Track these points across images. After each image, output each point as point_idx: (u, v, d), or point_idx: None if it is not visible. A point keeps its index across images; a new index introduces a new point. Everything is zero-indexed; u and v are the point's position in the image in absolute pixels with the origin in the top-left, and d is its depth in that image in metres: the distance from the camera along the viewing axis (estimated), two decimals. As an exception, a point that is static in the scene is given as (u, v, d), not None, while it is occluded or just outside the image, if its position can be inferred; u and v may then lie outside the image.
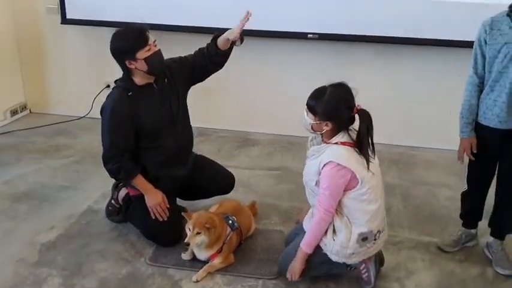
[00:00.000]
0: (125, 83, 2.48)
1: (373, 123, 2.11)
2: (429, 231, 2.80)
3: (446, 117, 3.94)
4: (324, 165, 2.09)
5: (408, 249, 2.63)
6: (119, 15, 3.90)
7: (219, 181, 2.80)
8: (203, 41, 4.00)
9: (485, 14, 2.34)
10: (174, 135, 2.57)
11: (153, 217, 2.52)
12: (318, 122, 2.11)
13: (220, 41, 2.63)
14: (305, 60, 3.98)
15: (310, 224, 2.23)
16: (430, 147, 3.99)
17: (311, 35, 3.69)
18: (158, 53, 2.43)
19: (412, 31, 3.56)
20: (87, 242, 2.62)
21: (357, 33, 3.64)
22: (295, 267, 2.24)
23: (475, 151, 2.42)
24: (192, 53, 2.70)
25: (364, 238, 2.15)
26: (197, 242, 2.32)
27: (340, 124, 2.12)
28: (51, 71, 4.40)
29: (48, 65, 4.38)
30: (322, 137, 2.20)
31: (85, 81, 4.35)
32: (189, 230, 2.33)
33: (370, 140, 2.11)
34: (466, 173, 2.57)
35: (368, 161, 2.09)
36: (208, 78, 4.13)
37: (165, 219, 2.53)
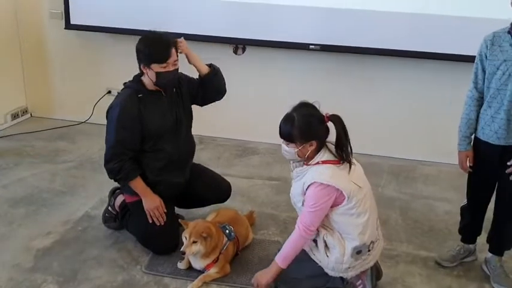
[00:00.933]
0: (136, 85, 2.53)
1: (344, 124, 2.13)
2: (427, 246, 2.79)
3: (446, 132, 3.95)
4: (308, 186, 2.10)
5: (406, 263, 2.61)
6: (121, 21, 3.93)
7: (215, 189, 2.80)
8: (203, 49, 4.02)
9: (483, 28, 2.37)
10: (176, 142, 2.59)
11: (150, 221, 2.52)
12: (301, 146, 2.12)
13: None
14: (306, 70, 3.98)
15: (288, 239, 2.23)
16: (430, 161, 3.98)
17: (313, 46, 3.70)
18: (172, 72, 2.46)
19: (417, 44, 3.56)
20: (83, 249, 2.60)
21: (360, 45, 3.65)
22: (264, 278, 2.22)
23: (471, 164, 2.41)
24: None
25: (358, 251, 2.15)
26: (193, 251, 2.30)
27: (320, 139, 2.14)
28: (53, 75, 4.41)
29: (50, 70, 4.40)
30: (303, 160, 2.19)
31: (86, 86, 4.36)
32: (186, 238, 2.32)
33: (349, 143, 2.12)
34: (466, 188, 2.56)
35: (351, 164, 2.10)
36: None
37: (162, 223, 2.52)
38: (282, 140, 2.18)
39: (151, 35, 2.50)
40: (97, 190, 3.20)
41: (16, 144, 3.92)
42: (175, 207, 2.79)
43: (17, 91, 4.40)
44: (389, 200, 3.31)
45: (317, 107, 2.17)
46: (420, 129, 3.99)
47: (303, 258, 2.24)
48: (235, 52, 3.96)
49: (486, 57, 2.27)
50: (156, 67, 2.43)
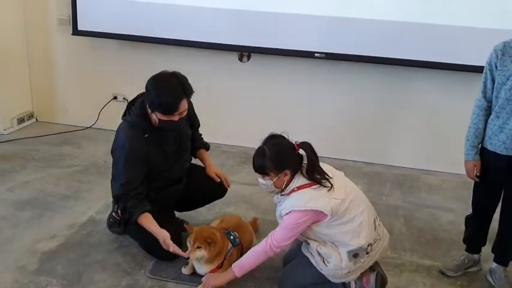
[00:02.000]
0: (142, 122, 2.42)
1: (314, 149, 2.17)
2: (431, 255, 2.79)
3: (450, 141, 3.96)
4: (286, 214, 2.14)
5: (409, 272, 2.61)
6: (128, 28, 3.97)
7: (211, 187, 2.79)
8: (208, 57, 4.07)
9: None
10: (178, 165, 2.60)
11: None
12: (276, 177, 2.15)
13: (199, 156, 2.81)
14: (311, 78, 4.01)
15: (253, 249, 2.26)
16: (433, 171, 3.99)
17: (318, 54, 3.72)
18: (175, 122, 2.37)
19: (424, 54, 3.58)
20: (87, 252, 2.61)
21: (365, 54, 3.67)
22: (215, 281, 2.26)
23: (478, 174, 2.42)
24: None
25: (355, 255, 2.16)
26: (197, 256, 2.31)
27: (294, 167, 2.16)
28: (59, 80, 4.44)
29: (57, 75, 4.43)
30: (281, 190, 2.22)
31: (92, 92, 4.39)
32: (190, 243, 2.33)
33: (319, 168, 2.15)
34: (472, 197, 2.56)
35: (326, 185, 2.11)
36: (213, 93, 4.20)
37: (175, 252, 2.39)
38: (257, 174, 2.21)
39: (163, 80, 2.33)
40: (102, 194, 3.21)
41: (22, 148, 3.94)
42: (176, 212, 2.81)
43: (24, 96, 4.43)
44: (393, 209, 3.31)
45: (286, 136, 2.21)
46: (424, 139, 4.00)
47: (306, 264, 2.25)
48: (240, 60, 3.98)
49: (496, 67, 2.27)
50: (160, 115, 2.34)
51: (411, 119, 3.96)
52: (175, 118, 2.34)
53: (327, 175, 2.15)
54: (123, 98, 4.29)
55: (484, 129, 2.37)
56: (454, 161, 4.01)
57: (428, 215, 3.27)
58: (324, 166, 2.22)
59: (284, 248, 2.20)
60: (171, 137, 2.52)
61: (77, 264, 2.50)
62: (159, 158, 2.48)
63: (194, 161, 2.86)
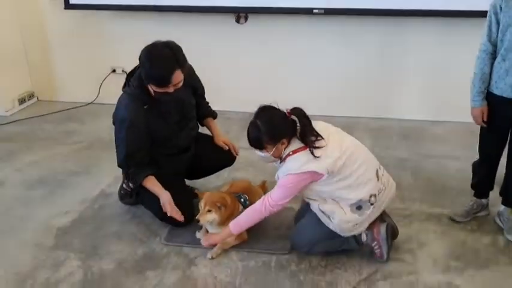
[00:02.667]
0: (141, 93, 2.40)
1: (306, 113, 2.17)
2: (440, 203, 2.81)
3: (454, 90, 3.93)
4: (283, 177, 2.17)
5: (420, 222, 2.64)
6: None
7: (220, 155, 2.79)
8: (205, 21, 3.98)
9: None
10: (184, 133, 2.60)
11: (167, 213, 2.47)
12: (274, 149, 2.16)
13: (206, 125, 2.79)
14: (310, 35, 3.95)
15: (251, 206, 2.30)
16: (439, 121, 3.98)
17: (316, 10, 3.66)
18: (170, 94, 2.33)
19: (423, 2, 3.52)
20: (101, 225, 2.65)
21: (364, 7, 3.60)
22: (212, 239, 2.35)
23: (485, 120, 2.41)
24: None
25: (358, 207, 2.18)
26: (208, 220, 2.36)
27: (290, 134, 2.16)
28: (56, 57, 4.41)
29: (53, 52, 4.39)
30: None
31: (91, 66, 4.36)
32: (201, 207, 2.37)
33: (312, 131, 2.14)
34: (478, 143, 2.56)
35: (320, 147, 2.11)
36: (213, 59, 4.15)
37: (178, 218, 2.47)
38: (255, 149, 2.22)
39: (156, 52, 2.28)
40: (110, 168, 3.22)
41: (26, 128, 3.95)
42: (186, 180, 2.83)
43: (22, 76, 4.41)
44: (400, 161, 3.32)
45: (276, 106, 2.19)
46: (428, 90, 3.97)
47: (316, 221, 2.28)
48: (237, 21, 3.92)
49: (501, 9, 2.23)
50: (155, 88, 2.31)
51: (414, 70, 3.93)
52: (170, 90, 2.31)
53: (320, 136, 2.15)
54: (122, 71, 4.26)
55: (490, 74, 2.34)
56: (459, 110, 3.99)
57: (436, 165, 3.28)
58: (319, 125, 2.22)
59: (279, 208, 2.22)
60: (172, 107, 2.51)
61: (92, 237, 2.55)
62: (161, 127, 2.48)
63: (202, 130, 2.85)
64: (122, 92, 2.49)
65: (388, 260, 2.30)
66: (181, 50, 2.33)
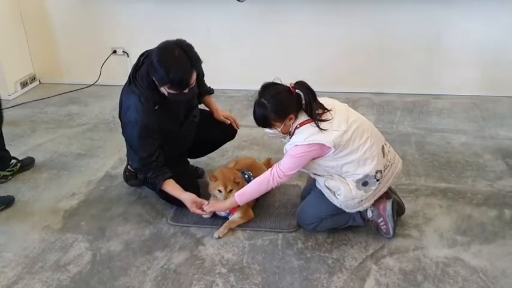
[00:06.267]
0: (151, 94, 2.33)
1: (310, 86, 2.14)
2: (445, 178, 2.81)
3: (457, 63, 3.90)
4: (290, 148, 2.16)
5: (425, 197, 2.65)
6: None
7: (221, 130, 2.78)
8: (206, 1, 3.87)
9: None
10: (188, 122, 2.58)
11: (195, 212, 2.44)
12: (282, 125, 2.15)
13: (205, 102, 2.74)
14: (311, 12, 3.90)
15: (256, 178, 2.30)
16: (443, 94, 3.96)
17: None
18: (184, 94, 2.28)
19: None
20: (108, 207, 2.67)
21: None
22: (216, 207, 2.38)
23: None
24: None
25: (364, 183, 2.18)
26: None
27: (297, 108, 2.14)
28: (56, 40, 4.37)
29: (53, 34, 4.35)
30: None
31: (91, 48, 4.32)
32: (220, 191, 2.36)
33: (317, 103, 2.13)
34: None
35: (321, 121, 2.10)
36: (214, 38, 4.10)
37: (207, 214, 2.45)
38: (264, 128, 2.21)
39: (169, 55, 2.18)
40: (115, 150, 3.24)
41: (29, 111, 3.95)
42: (190, 160, 2.83)
43: (24, 59, 4.38)
44: (405, 136, 3.31)
45: (279, 81, 2.17)
46: (430, 63, 3.93)
47: (321, 197, 2.29)
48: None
49: None
50: (170, 90, 2.25)
51: (415, 44, 3.88)
52: (186, 91, 2.27)
53: (326, 109, 2.14)
54: (123, 51, 4.23)
55: None
56: (463, 83, 3.98)
57: (440, 139, 3.27)
58: (327, 101, 2.20)
59: (287, 179, 2.22)
60: (181, 102, 2.47)
61: (99, 219, 2.56)
62: (172, 124, 2.47)
63: (201, 106, 2.84)
64: (121, 75, 2.42)
65: (395, 235, 2.31)
66: (193, 49, 2.27)
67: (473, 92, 3.92)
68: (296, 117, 2.16)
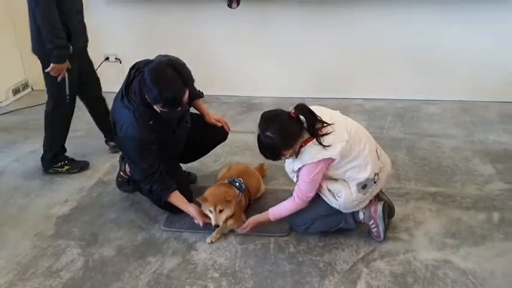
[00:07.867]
0: (145, 110, 2.34)
1: (309, 107, 2.15)
2: (435, 182, 2.84)
3: (447, 69, 3.95)
4: (299, 169, 2.19)
5: (415, 200, 2.67)
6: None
7: (213, 132, 2.80)
8: (196, 7, 3.96)
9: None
10: (180, 128, 2.59)
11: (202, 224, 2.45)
12: (291, 152, 2.15)
13: (195, 106, 2.74)
14: (302, 19, 3.94)
15: (287, 201, 2.31)
16: (433, 100, 4.00)
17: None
18: (176, 112, 2.32)
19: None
20: (100, 213, 2.67)
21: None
22: (254, 222, 2.38)
23: None
24: None
25: (364, 186, 2.22)
26: (224, 218, 2.35)
27: (300, 131, 2.14)
28: (49, 47, 4.36)
29: (46, 41, 4.34)
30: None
31: (84, 55, 4.32)
32: (211, 211, 2.35)
33: (318, 121, 2.14)
34: None
35: (322, 136, 2.12)
36: (206, 44, 4.11)
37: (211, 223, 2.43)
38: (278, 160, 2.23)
39: (162, 75, 2.19)
40: (107, 156, 3.25)
41: (22, 118, 3.95)
42: (182, 165, 2.85)
43: (15, 66, 4.39)
44: (395, 141, 3.35)
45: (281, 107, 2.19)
46: (421, 69, 3.97)
47: (318, 199, 2.31)
48: (229, 6, 3.89)
49: None
50: (163, 108, 2.26)
51: (406, 50, 3.92)
52: (179, 109, 2.30)
53: (326, 123, 2.16)
54: (116, 58, 4.23)
55: None
56: (453, 88, 4.03)
57: (431, 144, 3.31)
58: (317, 109, 2.21)
59: (312, 196, 2.25)
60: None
61: (92, 225, 2.57)
62: (167, 135, 2.49)
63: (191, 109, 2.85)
64: (118, 100, 2.41)
65: (385, 239, 2.33)
66: (185, 66, 2.28)
67: (462, 98, 3.98)
68: (300, 137, 2.17)
